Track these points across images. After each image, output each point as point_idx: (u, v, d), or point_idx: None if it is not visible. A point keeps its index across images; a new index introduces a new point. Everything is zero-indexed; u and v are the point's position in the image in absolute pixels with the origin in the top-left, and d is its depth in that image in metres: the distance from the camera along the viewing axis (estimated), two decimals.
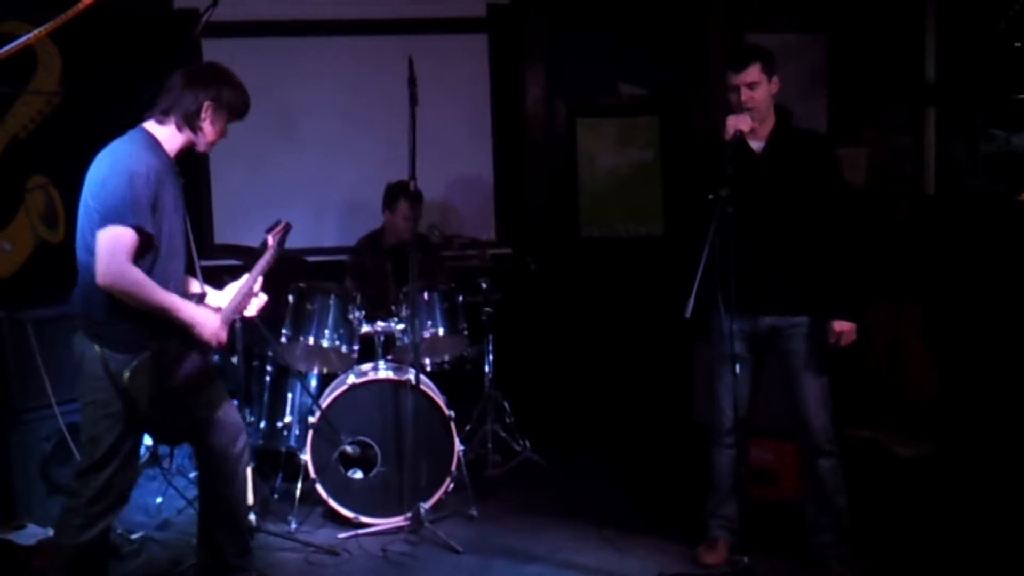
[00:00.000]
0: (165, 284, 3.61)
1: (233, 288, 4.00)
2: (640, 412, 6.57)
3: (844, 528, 4.31)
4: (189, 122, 3.72)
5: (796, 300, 4.25)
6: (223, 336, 3.78)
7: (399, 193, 5.99)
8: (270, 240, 4.25)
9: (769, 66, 4.19)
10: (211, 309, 3.81)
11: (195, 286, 3.93)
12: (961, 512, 4.89)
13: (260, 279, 4.10)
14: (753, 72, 4.15)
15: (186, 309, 3.64)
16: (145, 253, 3.56)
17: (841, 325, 4.20)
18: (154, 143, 3.69)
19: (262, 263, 4.16)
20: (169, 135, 3.73)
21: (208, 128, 3.76)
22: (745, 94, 4.15)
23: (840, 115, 6.62)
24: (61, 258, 5.47)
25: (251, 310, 4.06)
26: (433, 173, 6.33)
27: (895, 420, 5.72)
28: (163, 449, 5.32)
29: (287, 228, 4.32)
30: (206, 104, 3.72)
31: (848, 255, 4.24)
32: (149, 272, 3.55)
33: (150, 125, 3.73)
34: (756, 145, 4.26)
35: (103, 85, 5.76)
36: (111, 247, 3.46)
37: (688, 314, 3.75)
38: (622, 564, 4.54)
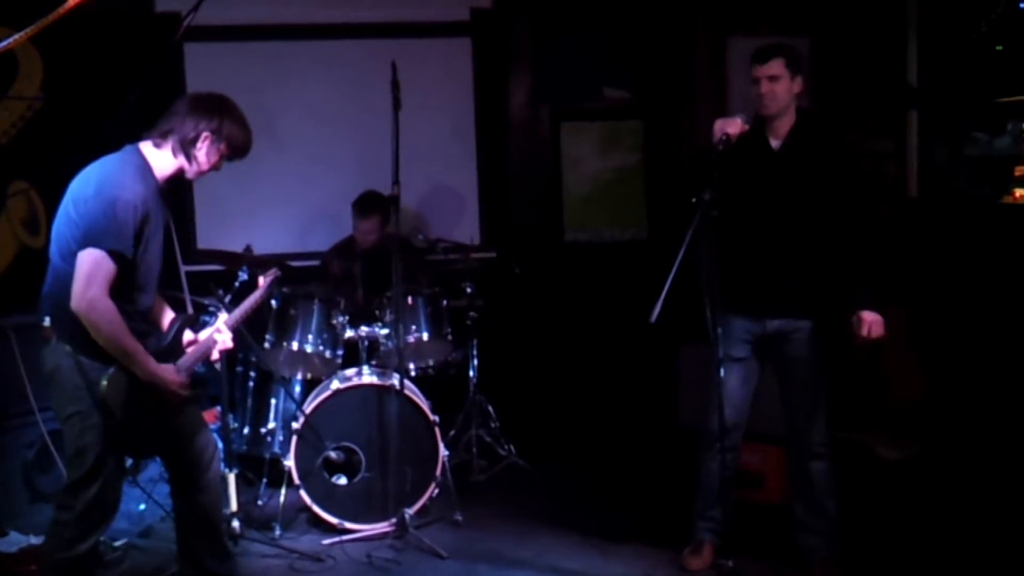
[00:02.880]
0: (139, 309, 3.63)
1: (210, 330, 3.97)
2: (625, 416, 6.57)
3: (832, 531, 4.31)
4: (184, 148, 3.69)
5: (802, 303, 4.24)
6: (183, 393, 3.71)
7: (353, 208, 5.99)
8: (261, 281, 4.24)
9: (795, 64, 4.21)
10: (181, 363, 3.78)
11: (167, 317, 3.91)
12: (946, 514, 4.90)
13: (244, 315, 4.10)
14: (776, 66, 4.17)
15: (148, 364, 3.58)
16: (122, 281, 3.52)
17: (870, 316, 4.18)
18: (145, 168, 3.65)
19: (249, 303, 4.15)
20: (163, 160, 3.70)
21: (202, 158, 3.73)
22: (765, 86, 4.17)
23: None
24: (43, 263, 5.43)
25: (214, 354, 3.97)
26: (417, 177, 6.33)
27: (879, 423, 5.73)
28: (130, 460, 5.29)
29: (279, 276, 4.31)
30: (205, 134, 3.69)
31: (866, 253, 4.23)
32: (121, 297, 3.52)
33: (146, 146, 3.70)
34: (775, 143, 4.27)
35: (85, 90, 5.73)
36: (90, 273, 3.43)
37: (654, 319, 3.73)
38: (607, 568, 4.54)
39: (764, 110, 4.21)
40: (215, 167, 3.80)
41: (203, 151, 3.71)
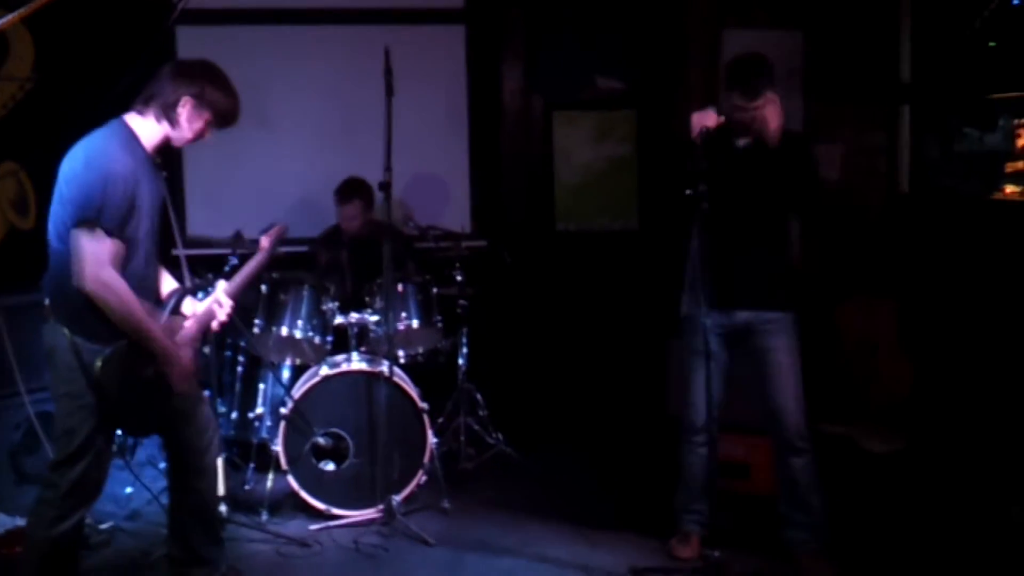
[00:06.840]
0: (139, 283, 3.58)
1: (207, 301, 3.95)
2: (614, 406, 6.58)
3: (817, 524, 4.32)
4: (167, 113, 3.65)
5: (771, 295, 4.27)
6: (190, 372, 3.71)
7: (334, 195, 5.98)
8: (263, 242, 4.19)
9: (772, 81, 4.16)
10: (182, 336, 3.77)
11: (168, 283, 3.90)
12: (932, 508, 4.92)
13: (246, 281, 4.07)
14: (767, 97, 4.12)
15: (162, 341, 3.59)
16: (119, 255, 3.51)
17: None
18: (132, 138, 3.62)
19: (252, 265, 4.11)
20: (148, 128, 3.67)
21: (184, 124, 3.68)
22: (756, 115, 4.11)
23: (815, 112, 6.64)
24: (32, 245, 5.40)
25: (214, 325, 3.96)
26: (409, 164, 6.32)
27: (867, 416, 5.75)
28: (129, 440, 5.28)
29: (283, 231, 4.25)
30: (185, 98, 3.65)
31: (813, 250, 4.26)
32: (123, 272, 3.50)
33: (130, 117, 3.67)
34: (742, 141, 4.28)
35: (76, 72, 5.71)
36: (92, 252, 3.40)
37: (682, 313, 3.76)
38: (594, 557, 4.54)
39: (759, 136, 4.18)
40: (201, 135, 3.75)
41: (184, 116, 3.67)
